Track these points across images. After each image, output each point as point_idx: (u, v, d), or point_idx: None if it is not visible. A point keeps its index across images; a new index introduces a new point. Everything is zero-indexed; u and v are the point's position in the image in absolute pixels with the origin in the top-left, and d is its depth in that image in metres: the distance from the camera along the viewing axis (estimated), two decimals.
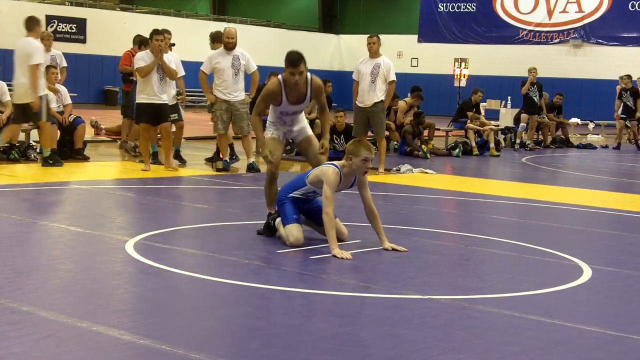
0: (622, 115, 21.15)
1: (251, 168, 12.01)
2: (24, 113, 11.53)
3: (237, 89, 12.02)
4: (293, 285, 5.49)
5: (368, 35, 12.93)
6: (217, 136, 12.32)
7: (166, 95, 11.65)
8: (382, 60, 12.47)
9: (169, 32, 12.21)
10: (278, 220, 6.99)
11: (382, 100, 12.49)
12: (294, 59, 7.19)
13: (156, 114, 11.55)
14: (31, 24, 11.70)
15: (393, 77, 12.52)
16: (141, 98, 11.52)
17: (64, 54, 14.68)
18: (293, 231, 6.72)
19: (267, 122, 7.60)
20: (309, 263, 6.18)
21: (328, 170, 6.72)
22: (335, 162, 6.85)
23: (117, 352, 4.05)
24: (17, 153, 12.08)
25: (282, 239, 6.82)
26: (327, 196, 6.62)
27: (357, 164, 6.68)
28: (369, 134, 13.32)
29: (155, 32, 11.56)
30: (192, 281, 5.53)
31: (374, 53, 12.51)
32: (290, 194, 6.97)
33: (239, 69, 12.00)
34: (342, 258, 6.30)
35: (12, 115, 11.99)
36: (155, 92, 11.44)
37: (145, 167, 11.58)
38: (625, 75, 21.29)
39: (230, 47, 11.96)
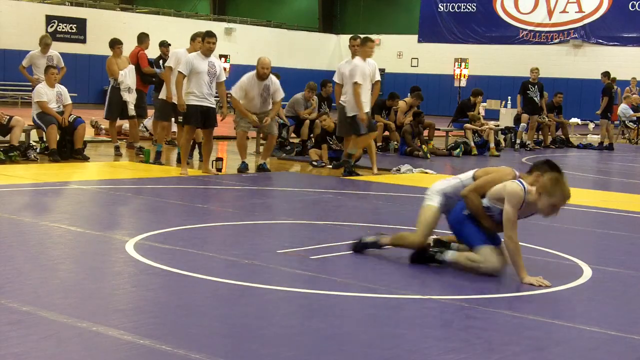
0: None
1: (261, 169, 12.15)
2: (351, 125, 12.27)
3: (265, 110, 12.27)
4: (293, 285, 5.49)
5: (351, 36, 12.89)
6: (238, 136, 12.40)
7: (213, 98, 11.59)
8: (367, 61, 12.45)
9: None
10: (451, 253, 6.20)
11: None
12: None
13: (204, 118, 11.43)
14: (364, 40, 12.35)
15: (378, 77, 12.49)
16: (190, 100, 11.31)
17: (64, 54, 14.70)
18: (488, 255, 5.97)
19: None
20: (309, 263, 6.17)
21: (514, 188, 5.86)
22: (523, 181, 5.94)
23: (118, 352, 4.05)
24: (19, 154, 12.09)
25: (467, 265, 6.04)
26: (509, 218, 5.81)
27: (543, 204, 5.78)
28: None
29: (208, 34, 11.48)
30: (192, 281, 5.53)
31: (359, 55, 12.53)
32: (465, 211, 6.14)
33: (267, 98, 12.28)
34: (540, 286, 5.67)
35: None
36: (205, 94, 11.35)
37: (183, 171, 11.42)
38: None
39: (264, 77, 12.13)
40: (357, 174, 12.19)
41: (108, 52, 14.14)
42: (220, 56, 27.98)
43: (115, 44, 13.91)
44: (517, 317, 4.98)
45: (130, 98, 13.79)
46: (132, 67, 13.99)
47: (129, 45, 14.97)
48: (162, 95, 12.89)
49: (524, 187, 5.84)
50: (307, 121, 15.59)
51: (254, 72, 12.24)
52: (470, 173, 6.35)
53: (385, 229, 7.75)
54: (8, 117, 12.31)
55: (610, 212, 9.71)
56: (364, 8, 40.96)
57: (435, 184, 6.49)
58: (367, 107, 12.28)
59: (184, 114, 11.41)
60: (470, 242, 6.09)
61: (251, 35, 36.88)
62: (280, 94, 12.39)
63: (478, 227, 6.06)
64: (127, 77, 13.73)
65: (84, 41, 31.22)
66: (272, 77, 12.35)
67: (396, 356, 4.17)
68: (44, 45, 13.97)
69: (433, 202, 6.33)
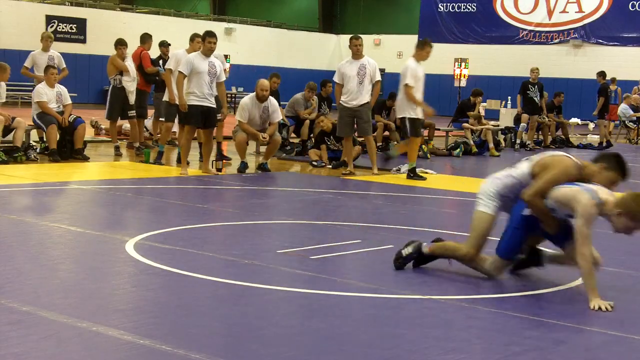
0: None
1: (262, 168, 12.20)
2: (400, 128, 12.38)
3: (264, 128, 12.34)
4: (293, 285, 5.49)
5: (351, 36, 12.87)
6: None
7: (213, 98, 11.60)
8: (367, 61, 12.42)
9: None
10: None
11: (369, 102, 12.48)
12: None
13: (205, 118, 11.41)
14: (423, 44, 12.18)
15: (378, 77, 12.49)
16: (191, 100, 11.30)
17: (64, 54, 14.68)
18: (500, 267, 5.88)
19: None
20: (309, 263, 6.18)
21: (588, 204, 5.33)
22: (592, 188, 5.42)
23: (118, 352, 4.05)
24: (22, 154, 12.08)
25: (479, 267, 5.97)
26: (583, 233, 5.33)
27: (622, 223, 5.37)
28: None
29: (208, 34, 11.47)
30: (192, 281, 5.53)
31: (359, 54, 12.50)
32: (526, 210, 5.71)
33: (266, 119, 12.36)
34: (605, 310, 5.17)
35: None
36: (205, 94, 11.34)
37: (183, 171, 11.41)
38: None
39: (263, 99, 12.23)
40: (423, 178, 12.10)
41: (108, 52, 14.14)
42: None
43: (118, 44, 13.91)
44: (517, 317, 4.98)
45: (133, 87, 13.80)
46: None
47: (129, 46, 14.95)
48: (166, 97, 12.90)
49: (599, 201, 5.33)
50: (307, 121, 15.59)
51: (254, 93, 12.33)
52: (525, 168, 5.80)
53: (386, 229, 7.77)
54: (11, 118, 12.31)
55: None
56: (364, 8, 40.94)
57: (487, 186, 5.93)
58: (421, 113, 12.17)
59: (185, 114, 11.43)
60: (499, 246, 5.87)
61: (251, 35, 36.87)
62: (278, 116, 12.53)
63: (522, 241, 5.78)
64: (132, 66, 13.82)
65: (84, 41, 31.21)
66: (271, 99, 12.47)
67: (396, 356, 4.17)
68: (46, 39, 13.94)
69: (488, 209, 5.84)
